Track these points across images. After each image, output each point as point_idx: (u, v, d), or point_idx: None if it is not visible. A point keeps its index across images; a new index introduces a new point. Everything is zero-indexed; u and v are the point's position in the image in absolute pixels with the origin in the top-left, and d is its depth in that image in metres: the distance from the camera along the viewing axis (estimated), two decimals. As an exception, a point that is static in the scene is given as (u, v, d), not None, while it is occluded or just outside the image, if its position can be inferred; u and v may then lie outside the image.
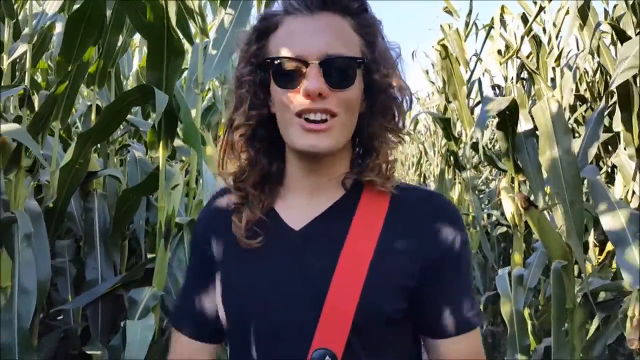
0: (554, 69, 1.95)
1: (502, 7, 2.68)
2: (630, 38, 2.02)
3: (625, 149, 2.12)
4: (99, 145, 2.05)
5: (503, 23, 2.77)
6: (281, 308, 0.70)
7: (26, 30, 1.58)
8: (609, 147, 2.93)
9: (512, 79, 2.52)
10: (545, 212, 1.81)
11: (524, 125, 2.13)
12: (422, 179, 7.87)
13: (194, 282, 0.83)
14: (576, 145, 2.01)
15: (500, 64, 2.62)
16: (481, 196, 4.68)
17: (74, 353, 1.75)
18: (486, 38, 3.07)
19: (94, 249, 1.85)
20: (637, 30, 2.13)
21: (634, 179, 2.26)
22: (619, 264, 1.52)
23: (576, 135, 2.75)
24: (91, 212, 1.88)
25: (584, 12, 2.57)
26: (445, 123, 3.33)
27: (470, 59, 3.29)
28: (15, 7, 1.76)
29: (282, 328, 0.70)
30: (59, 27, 1.83)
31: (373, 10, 0.76)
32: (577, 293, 1.72)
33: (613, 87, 1.84)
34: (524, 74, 3.47)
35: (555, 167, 1.64)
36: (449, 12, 3.59)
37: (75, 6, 1.72)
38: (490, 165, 3.51)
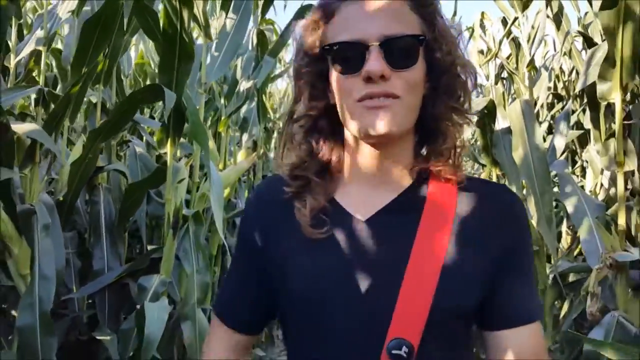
0: (529, 71, 2.16)
1: (482, 13, 2.90)
2: (596, 44, 2.25)
3: (594, 145, 2.36)
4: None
5: (483, 28, 2.99)
6: (353, 300, 0.70)
7: (41, 34, 1.71)
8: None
9: (492, 80, 2.73)
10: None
11: (501, 123, 2.34)
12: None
13: (240, 273, 0.83)
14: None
15: (480, 66, 2.83)
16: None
17: (83, 339, 1.89)
18: (469, 39, 3.28)
19: (100, 240, 1.99)
20: (604, 38, 2.37)
21: (601, 172, 2.51)
22: (582, 246, 1.74)
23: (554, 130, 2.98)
24: (97, 205, 2.02)
25: (558, 19, 2.81)
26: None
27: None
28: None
29: (356, 318, 0.70)
30: (66, 29, 1.97)
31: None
32: (548, 275, 1.94)
33: (577, 90, 2.06)
34: (505, 74, 3.72)
35: (526, 162, 1.85)
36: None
37: (86, 8, 1.86)
38: (472, 160, 3.74)
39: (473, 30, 3.49)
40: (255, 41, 2.53)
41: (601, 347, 0.99)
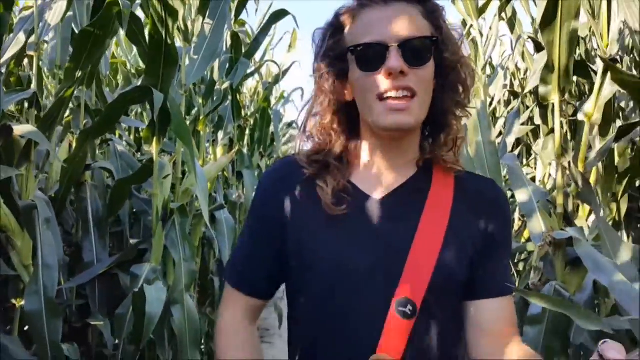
0: (483, 71, 2.44)
1: (442, 17, 3.18)
2: (544, 49, 2.56)
3: (542, 139, 2.68)
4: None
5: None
6: (370, 266, 0.82)
7: (32, 39, 1.87)
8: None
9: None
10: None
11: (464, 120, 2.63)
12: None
13: (253, 242, 0.93)
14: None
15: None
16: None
17: (77, 326, 2.06)
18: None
19: (89, 234, 2.15)
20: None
21: (549, 163, 2.84)
22: (529, 229, 2.03)
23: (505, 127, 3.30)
24: (84, 201, 2.18)
25: (512, 23, 3.13)
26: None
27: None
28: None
29: (371, 281, 0.81)
30: (51, 34, 2.11)
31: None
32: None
33: (527, 90, 2.37)
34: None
35: (480, 155, 2.13)
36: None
37: (68, 14, 2.02)
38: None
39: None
40: (229, 43, 2.73)
41: (528, 295, 1.28)
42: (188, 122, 2.75)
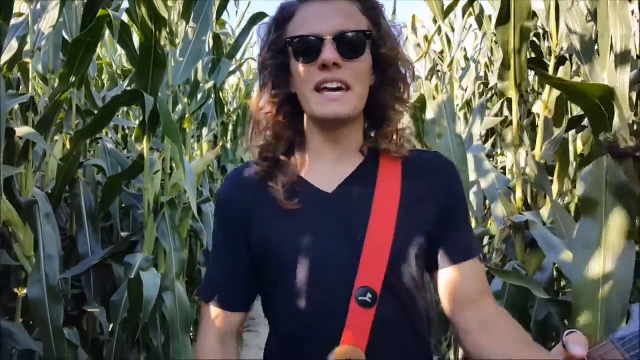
0: (450, 70, 2.67)
1: (414, 17, 3.43)
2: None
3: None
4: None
5: (415, 29, 3.52)
6: (327, 259, 0.84)
7: (27, 47, 2.04)
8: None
9: (425, 75, 3.24)
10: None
11: (430, 114, 2.86)
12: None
13: (229, 255, 0.93)
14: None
15: (414, 62, 3.35)
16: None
17: (74, 314, 2.24)
18: (406, 38, 3.81)
19: (83, 228, 2.33)
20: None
21: (527, 153, 3.08)
22: (492, 213, 2.27)
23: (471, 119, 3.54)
24: (78, 197, 2.36)
25: (480, 20, 3.36)
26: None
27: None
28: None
29: (329, 274, 0.84)
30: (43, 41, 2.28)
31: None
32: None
33: (492, 85, 2.60)
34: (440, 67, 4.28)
35: (447, 146, 2.36)
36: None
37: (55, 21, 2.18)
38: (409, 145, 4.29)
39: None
40: (212, 44, 2.92)
41: (491, 271, 1.51)
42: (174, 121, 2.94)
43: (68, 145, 2.30)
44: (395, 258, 0.84)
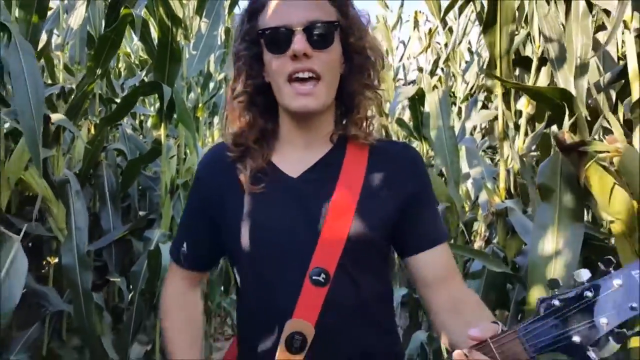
0: (445, 62, 2.90)
1: (416, 12, 3.66)
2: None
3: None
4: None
5: (416, 23, 3.74)
6: (287, 239, 0.90)
7: (59, 40, 2.32)
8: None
9: (426, 70, 3.47)
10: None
11: (428, 107, 3.10)
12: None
13: (191, 220, 1.03)
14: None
15: (415, 57, 3.58)
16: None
17: (98, 283, 2.54)
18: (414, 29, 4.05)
19: (106, 206, 2.62)
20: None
21: (510, 146, 3.31)
22: (479, 201, 2.52)
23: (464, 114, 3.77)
24: (101, 178, 2.64)
25: (480, 17, 3.56)
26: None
27: (398, 46, 4.29)
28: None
29: (288, 254, 0.90)
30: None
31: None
32: (458, 225, 2.73)
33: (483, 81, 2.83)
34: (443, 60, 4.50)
35: (440, 138, 2.60)
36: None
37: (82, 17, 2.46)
38: (410, 137, 4.53)
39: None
40: (223, 37, 3.17)
41: (457, 249, 1.77)
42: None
43: (92, 131, 2.58)
44: (351, 242, 0.89)
